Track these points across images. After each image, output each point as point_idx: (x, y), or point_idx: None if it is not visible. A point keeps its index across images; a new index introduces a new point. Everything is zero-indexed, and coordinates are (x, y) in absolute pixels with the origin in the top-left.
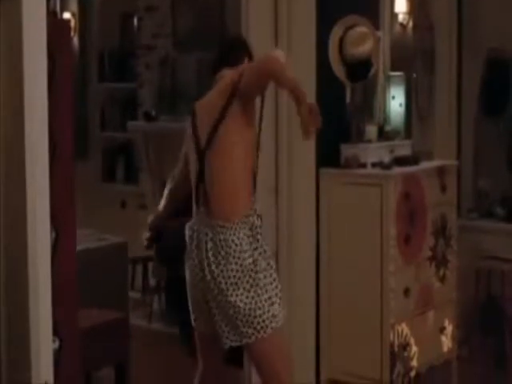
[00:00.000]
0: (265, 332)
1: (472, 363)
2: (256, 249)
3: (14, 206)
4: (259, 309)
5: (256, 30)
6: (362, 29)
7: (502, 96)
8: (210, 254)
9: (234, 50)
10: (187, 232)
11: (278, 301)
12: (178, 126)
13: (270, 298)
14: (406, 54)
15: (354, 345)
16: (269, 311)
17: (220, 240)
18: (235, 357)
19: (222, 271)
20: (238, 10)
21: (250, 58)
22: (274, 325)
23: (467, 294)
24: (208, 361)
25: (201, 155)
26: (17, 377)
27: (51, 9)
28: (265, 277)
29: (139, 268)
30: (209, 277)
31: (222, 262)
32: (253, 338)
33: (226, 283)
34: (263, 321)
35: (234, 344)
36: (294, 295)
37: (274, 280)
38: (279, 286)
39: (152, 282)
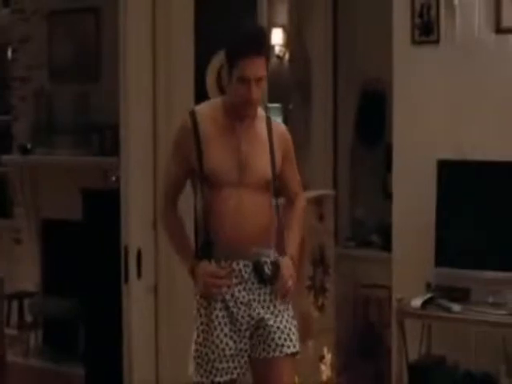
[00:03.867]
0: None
1: None
2: None
3: None
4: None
5: (134, 62)
6: None
7: (378, 126)
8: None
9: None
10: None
11: None
12: (55, 158)
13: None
14: (282, 85)
15: None
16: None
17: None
18: None
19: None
20: (115, 43)
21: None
22: None
23: (345, 321)
24: None
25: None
26: None
27: None
28: None
29: (15, 304)
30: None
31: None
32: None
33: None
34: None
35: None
36: (174, 330)
37: None
38: None
39: (28, 318)
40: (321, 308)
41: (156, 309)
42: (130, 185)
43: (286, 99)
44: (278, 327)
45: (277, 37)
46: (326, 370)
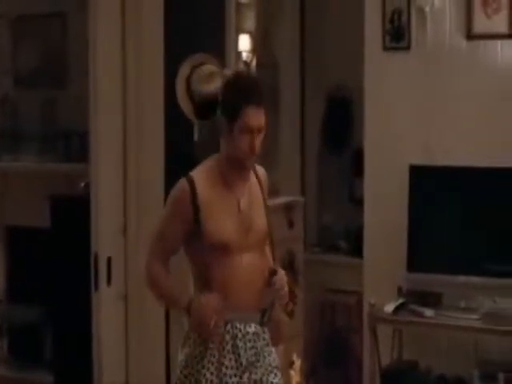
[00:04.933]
0: None
1: None
2: None
3: None
4: None
5: (104, 68)
6: (209, 67)
7: (344, 131)
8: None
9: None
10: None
11: None
12: (21, 165)
13: None
14: None
15: None
16: None
17: None
18: None
19: None
20: (82, 49)
21: None
22: None
23: (313, 327)
24: None
25: None
26: None
27: None
28: None
29: None
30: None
31: None
32: None
33: None
34: None
35: None
36: (144, 338)
37: None
38: None
39: None
40: (290, 314)
41: (126, 316)
42: (100, 191)
43: None
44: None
45: (244, 43)
46: (295, 376)
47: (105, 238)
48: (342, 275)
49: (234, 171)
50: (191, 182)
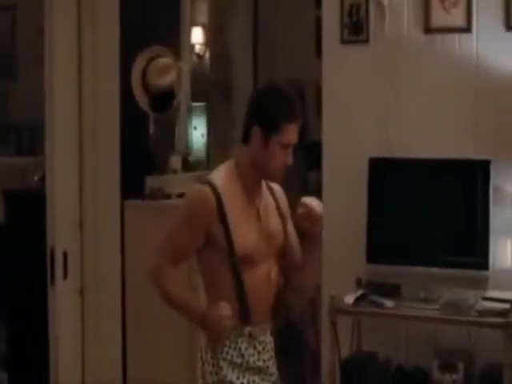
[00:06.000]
0: None
1: None
2: None
3: None
4: None
5: (59, 60)
6: (164, 59)
7: None
8: None
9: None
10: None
11: None
12: None
13: None
14: (204, 84)
15: (163, 376)
16: None
17: None
18: None
19: None
20: (32, 41)
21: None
22: None
23: None
24: None
25: None
26: None
27: None
28: None
29: None
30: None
31: None
32: None
33: None
34: None
35: None
36: (100, 331)
37: None
38: None
39: None
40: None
41: (82, 310)
42: (56, 185)
43: (207, 98)
44: None
45: (197, 35)
46: None
47: (61, 232)
48: None
49: (255, 180)
50: (214, 189)
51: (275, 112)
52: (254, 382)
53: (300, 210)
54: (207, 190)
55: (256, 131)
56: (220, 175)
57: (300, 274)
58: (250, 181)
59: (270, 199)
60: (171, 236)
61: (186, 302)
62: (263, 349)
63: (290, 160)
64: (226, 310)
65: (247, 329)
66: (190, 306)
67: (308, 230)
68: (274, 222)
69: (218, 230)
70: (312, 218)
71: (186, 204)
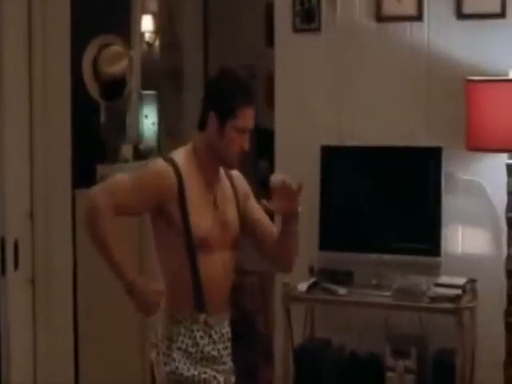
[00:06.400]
0: None
1: None
2: None
3: None
4: None
5: (8, 50)
6: (116, 48)
7: None
8: None
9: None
10: None
11: None
12: None
13: None
14: (154, 72)
15: (114, 368)
16: None
17: None
18: None
19: None
20: None
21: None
22: None
23: None
24: None
25: None
26: None
27: None
28: None
29: None
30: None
31: None
32: None
33: None
34: None
35: None
36: (52, 322)
37: None
38: None
39: None
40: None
41: (33, 301)
42: (6, 174)
43: (158, 86)
44: None
45: (146, 23)
46: None
47: (11, 222)
48: (244, 255)
49: (213, 166)
50: (176, 169)
51: (230, 96)
52: (205, 373)
53: (275, 190)
54: (169, 168)
55: (212, 117)
56: (180, 156)
57: (279, 250)
58: (208, 167)
59: (229, 187)
60: (122, 187)
61: (119, 258)
62: (219, 339)
63: (246, 145)
64: (158, 285)
65: (202, 316)
66: (122, 266)
67: (285, 207)
68: (231, 211)
69: (175, 209)
70: (289, 195)
71: (145, 174)
